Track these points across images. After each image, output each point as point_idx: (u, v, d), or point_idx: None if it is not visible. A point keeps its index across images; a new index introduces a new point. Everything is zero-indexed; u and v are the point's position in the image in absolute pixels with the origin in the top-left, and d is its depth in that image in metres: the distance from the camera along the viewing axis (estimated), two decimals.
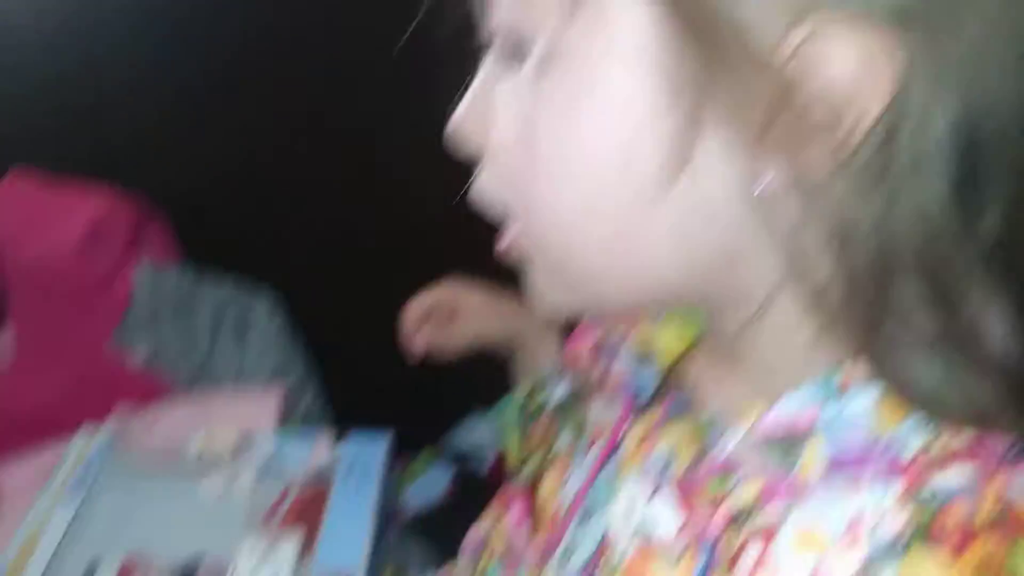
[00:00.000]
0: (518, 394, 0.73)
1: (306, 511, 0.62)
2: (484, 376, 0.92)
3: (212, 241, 0.85)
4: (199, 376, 0.82)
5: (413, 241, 0.93)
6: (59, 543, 0.60)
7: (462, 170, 0.42)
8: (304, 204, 0.91)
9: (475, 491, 0.92)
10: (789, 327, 0.36)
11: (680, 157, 0.32)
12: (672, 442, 0.41)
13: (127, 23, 0.84)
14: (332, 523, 0.61)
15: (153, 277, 0.80)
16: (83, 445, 0.67)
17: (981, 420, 0.32)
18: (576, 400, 0.60)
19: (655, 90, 0.32)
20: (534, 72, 0.35)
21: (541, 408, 0.71)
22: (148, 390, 0.77)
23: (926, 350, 0.32)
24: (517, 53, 0.35)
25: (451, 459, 0.90)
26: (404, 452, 0.89)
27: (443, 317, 0.75)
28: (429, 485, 0.86)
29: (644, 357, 0.51)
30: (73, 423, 0.69)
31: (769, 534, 0.33)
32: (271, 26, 0.85)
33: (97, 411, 0.74)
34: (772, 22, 0.29)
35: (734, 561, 0.34)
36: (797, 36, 0.29)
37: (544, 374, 0.68)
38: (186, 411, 0.73)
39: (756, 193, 0.32)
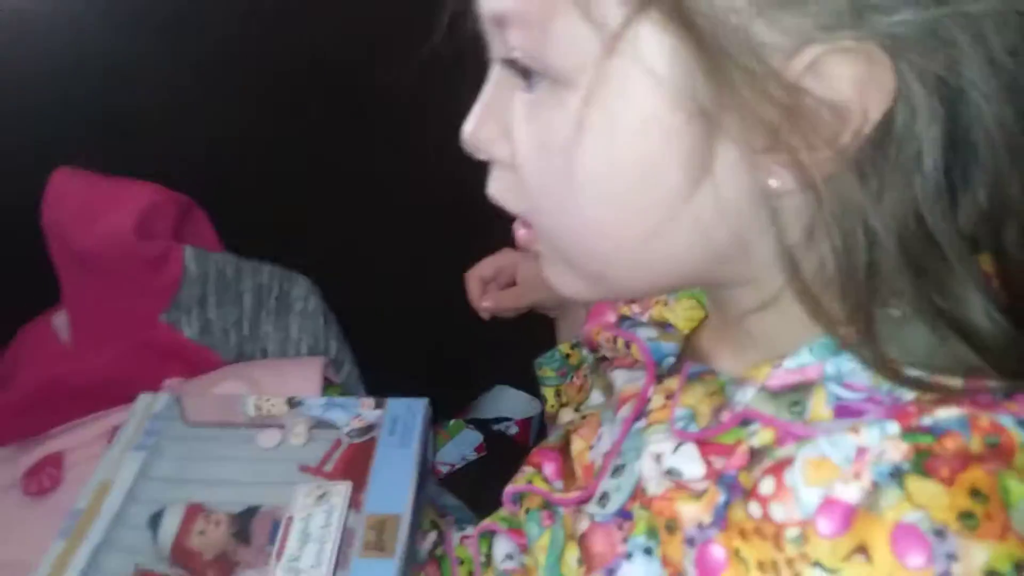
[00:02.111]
0: (561, 348, 0.79)
1: (355, 463, 0.67)
2: (506, 353, 0.97)
3: (249, 231, 0.90)
4: (244, 352, 0.87)
5: (437, 227, 0.97)
6: (127, 492, 0.65)
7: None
8: (335, 193, 0.96)
9: (504, 450, 0.98)
10: (790, 302, 0.39)
11: (699, 170, 0.36)
12: (692, 402, 0.45)
13: (153, 24, 0.89)
14: (378, 473, 0.66)
15: (199, 261, 0.85)
16: (145, 408, 0.72)
17: (970, 373, 0.35)
18: (600, 368, 0.64)
19: (675, 112, 0.35)
20: (557, 93, 0.37)
21: (581, 363, 0.76)
22: (200, 362, 0.82)
23: (914, 321, 0.36)
24: (536, 72, 0.38)
25: (478, 425, 0.95)
26: (435, 421, 0.95)
27: (504, 282, 0.80)
28: (460, 447, 0.91)
29: (663, 329, 0.55)
30: (131, 393, 0.74)
31: (783, 466, 0.37)
32: (304, 15, 0.89)
33: (153, 382, 0.80)
34: (782, 45, 0.33)
35: (752, 492, 0.38)
36: (806, 56, 0.33)
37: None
38: (237, 378, 0.78)
39: (768, 194, 0.36)
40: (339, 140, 0.96)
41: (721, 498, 0.39)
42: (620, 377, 0.54)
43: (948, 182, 0.34)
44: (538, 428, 0.97)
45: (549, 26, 0.36)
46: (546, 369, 0.80)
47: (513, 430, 0.96)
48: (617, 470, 0.48)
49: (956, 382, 0.35)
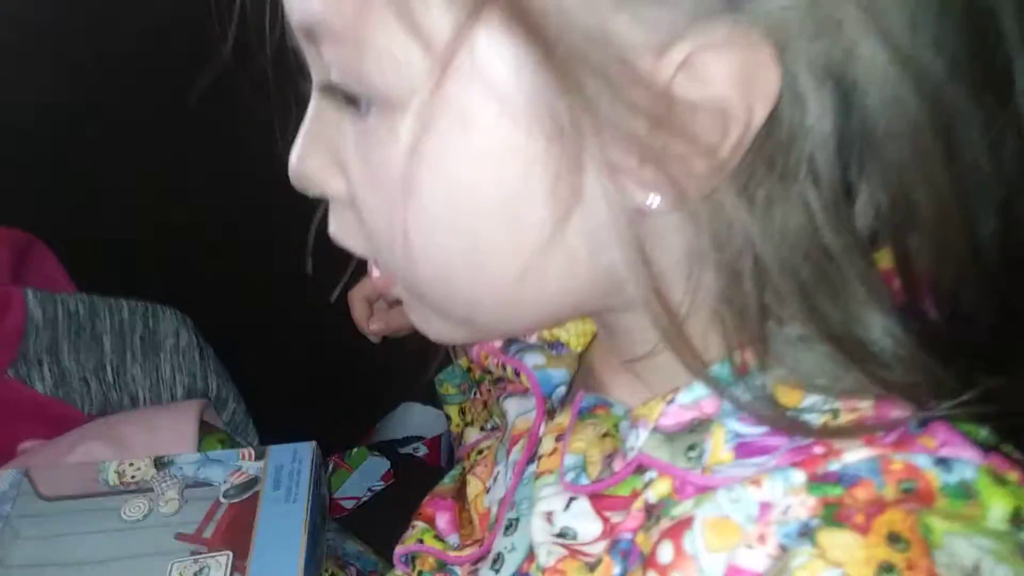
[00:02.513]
0: (463, 362, 0.73)
1: (236, 526, 0.60)
2: (408, 367, 0.91)
3: (107, 266, 0.81)
4: (110, 402, 0.78)
5: (317, 241, 0.90)
6: None
7: None
8: (199, 219, 0.88)
9: (414, 475, 0.92)
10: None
11: (568, 200, 0.31)
12: (583, 447, 0.41)
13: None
14: (263, 537, 0.59)
15: (44, 305, 0.76)
16: None
17: (879, 396, 0.32)
18: (496, 390, 0.59)
19: (532, 136, 0.30)
20: (389, 120, 0.32)
21: (484, 376, 0.71)
22: (59, 419, 0.73)
23: (809, 345, 0.32)
24: (367, 100, 0.32)
25: (385, 449, 0.89)
26: (336, 452, 0.88)
27: (393, 299, 0.74)
28: (365, 477, 0.85)
29: (553, 352, 0.50)
30: None
31: (681, 529, 0.33)
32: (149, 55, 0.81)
33: (7, 447, 0.71)
34: (647, 43, 0.28)
35: (650, 560, 0.34)
36: (676, 54, 0.28)
37: None
38: (99, 438, 0.70)
39: (646, 215, 0.31)
40: (201, 162, 0.88)
41: (616, 570, 0.36)
42: (512, 408, 0.50)
43: (844, 185, 0.30)
44: (449, 446, 0.92)
45: (367, 41, 0.30)
46: (447, 386, 0.75)
47: (422, 451, 0.90)
48: (511, 526, 0.44)
49: (865, 406, 0.32)
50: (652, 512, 0.35)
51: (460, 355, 0.77)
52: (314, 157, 0.36)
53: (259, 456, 0.65)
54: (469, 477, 0.52)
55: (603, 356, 0.48)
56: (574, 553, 0.38)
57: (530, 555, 0.41)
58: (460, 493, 0.52)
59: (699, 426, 0.35)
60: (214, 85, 0.80)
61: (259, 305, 0.89)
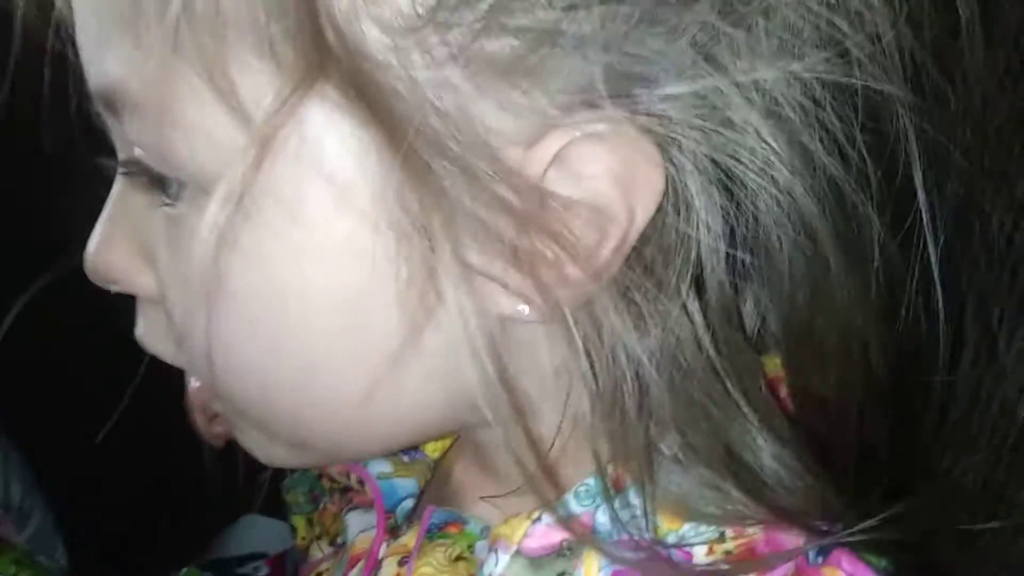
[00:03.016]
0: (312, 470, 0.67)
1: None
2: (249, 476, 0.83)
3: None
4: None
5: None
6: None
7: None
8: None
9: None
10: (547, 440, 0.31)
11: (421, 308, 0.27)
12: (430, 571, 0.36)
13: None
14: None
15: None
16: None
17: (770, 522, 0.29)
18: (342, 502, 0.53)
19: (378, 231, 0.26)
20: (200, 205, 0.27)
21: (333, 485, 0.65)
22: None
23: (692, 467, 0.29)
24: (176, 181, 0.28)
25: (220, 570, 0.79)
26: (164, 571, 0.78)
27: None
28: None
29: (402, 459, 0.45)
30: None
31: None
32: None
33: None
34: (515, 134, 0.25)
35: None
36: (547, 148, 0.25)
37: None
38: None
39: (511, 325, 0.28)
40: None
41: None
42: (355, 523, 0.45)
43: (733, 294, 0.28)
44: (294, 566, 0.83)
45: (174, 111, 0.26)
46: (295, 493, 0.67)
47: (263, 571, 0.80)
48: None
49: (754, 531, 0.29)
50: None
51: None
52: (118, 247, 0.31)
53: None
54: None
55: (463, 463, 0.43)
56: None
57: None
58: None
59: (569, 550, 0.31)
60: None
61: (81, 395, 0.79)
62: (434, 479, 0.43)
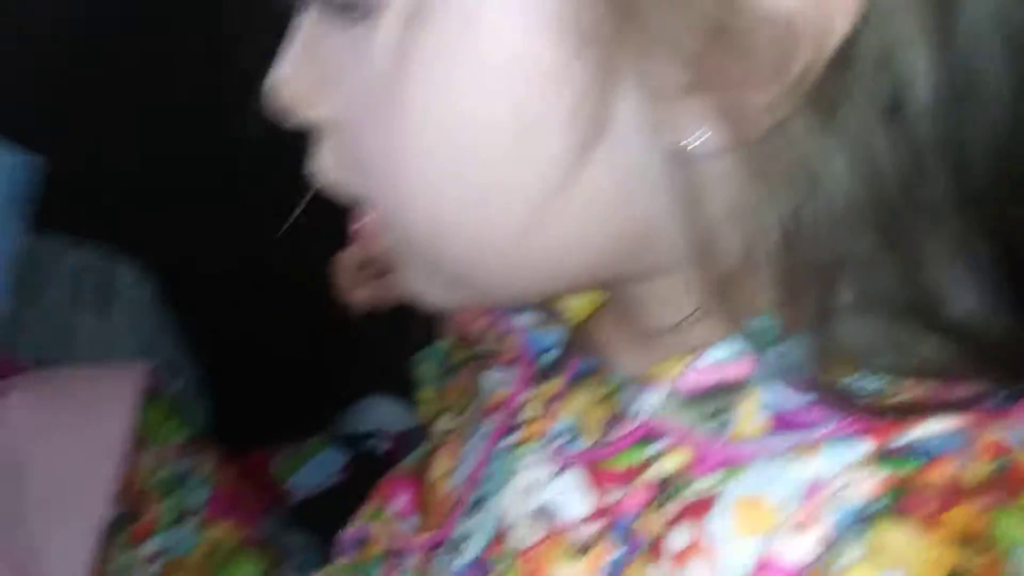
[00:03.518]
0: (444, 343, 0.68)
1: None
2: (383, 357, 0.86)
3: (65, 202, 0.75)
4: (56, 354, 0.73)
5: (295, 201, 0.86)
6: None
7: None
8: (175, 156, 0.82)
9: (371, 472, 0.86)
10: (718, 277, 0.30)
11: (592, 127, 0.26)
12: (578, 410, 0.35)
13: None
14: None
15: None
16: None
17: (946, 375, 0.27)
18: (477, 367, 0.55)
19: (554, 46, 0.25)
20: (386, 28, 0.27)
21: (466, 360, 0.66)
22: None
23: (873, 311, 0.27)
24: (354, 4, 0.28)
25: (345, 442, 0.83)
26: (295, 438, 0.83)
27: (382, 268, 0.70)
28: (318, 469, 0.80)
29: (548, 315, 0.45)
30: None
31: (702, 508, 0.27)
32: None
33: None
34: None
35: (659, 547, 0.28)
36: None
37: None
38: (30, 389, 0.64)
39: (687, 155, 0.26)
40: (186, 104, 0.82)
41: (615, 554, 0.30)
42: (490, 380, 0.45)
43: (944, 126, 0.25)
44: (417, 443, 0.87)
45: None
46: (425, 367, 0.70)
47: (384, 446, 0.84)
48: (476, 504, 0.38)
49: (932, 384, 0.27)
50: (663, 488, 0.30)
51: (443, 335, 0.72)
52: (301, 76, 0.32)
53: None
54: (434, 457, 0.47)
55: (607, 325, 0.43)
56: (557, 534, 0.32)
57: (496, 539, 0.36)
58: (423, 472, 0.47)
59: (727, 391, 0.30)
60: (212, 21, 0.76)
61: (237, 273, 0.84)
62: (578, 338, 0.44)
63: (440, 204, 0.30)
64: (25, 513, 0.56)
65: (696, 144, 0.26)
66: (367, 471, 0.85)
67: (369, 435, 0.86)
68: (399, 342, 0.74)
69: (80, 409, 0.62)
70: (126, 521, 0.59)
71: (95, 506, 0.58)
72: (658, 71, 0.25)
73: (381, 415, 0.89)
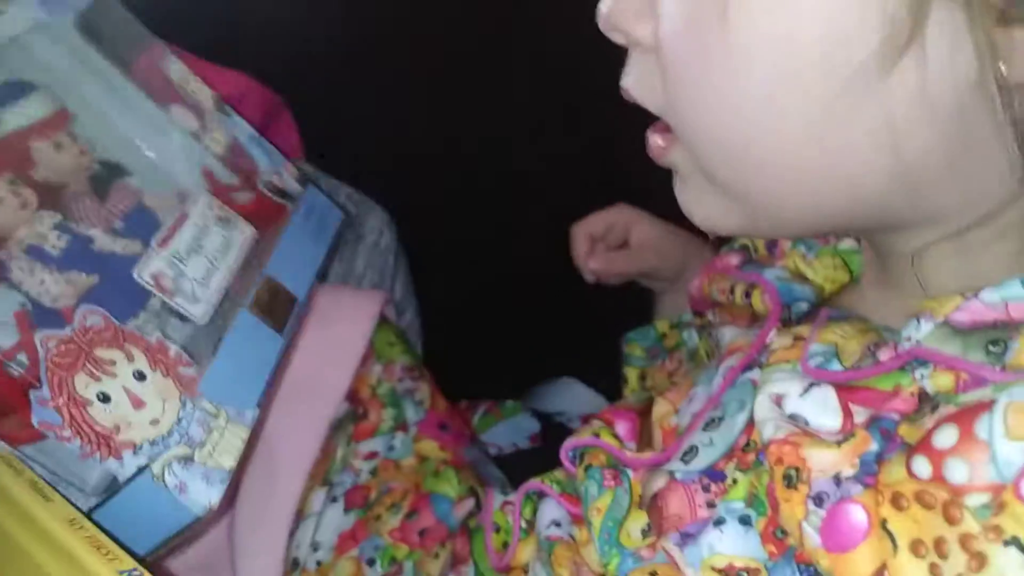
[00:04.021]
0: (659, 325, 0.70)
1: (264, 218, 0.57)
2: (579, 343, 0.88)
3: (334, 147, 0.83)
4: None
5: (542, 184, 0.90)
6: None
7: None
8: (437, 124, 0.89)
9: (561, 444, 0.88)
10: (988, 227, 0.31)
11: (902, 34, 0.27)
12: (835, 338, 0.36)
13: None
14: (286, 248, 0.57)
15: None
16: None
17: None
18: (704, 334, 0.55)
19: None
20: None
21: (678, 346, 0.67)
22: None
23: None
24: None
25: (534, 413, 0.85)
26: (491, 398, 0.86)
27: (614, 242, 0.72)
28: (513, 431, 0.82)
29: (795, 279, 0.46)
30: None
31: (974, 412, 0.27)
32: None
33: None
34: None
35: (923, 444, 0.28)
36: None
37: (689, 315, 0.64)
38: None
39: (1001, 87, 0.27)
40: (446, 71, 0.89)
41: (873, 446, 0.30)
42: (730, 334, 0.45)
43: None
44: None
45: None
46: (635, 346, 0.71)
47: (576, 424, 0.86)
48: (712, 423, 0.39)
49: None
50: (926, 402, 0.30)
51: (659, 317, 0.74)
52: (626, 1, 0.35)
53: (300, 180, 0.62)
54: (657, 399, 0.48)
55: (861, 288, 0.43)
56: (809, 434, 0.32)
57: (732, 452, 0.37)
58: (644, 411, 0.49)
59: (1005, 328, 0.29)
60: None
61: (464, 237, 0.89)
62: (828, 303, 0.44)
63: (739, 116, 0.32)
64: (270, 403, 0.62)
65: (1001, 71, 0.26)
66: (558, 442, 0.87)
67: (558, 414, 0.88)
68: (603, 327, 0.76)
69: (325, 320, 0.68)
70: (351, 420, 0.63)
71: (328, 401, 0.63)
72: (962, 5, 0.26)
73: (572, 399, 0.91)
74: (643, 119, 0.38)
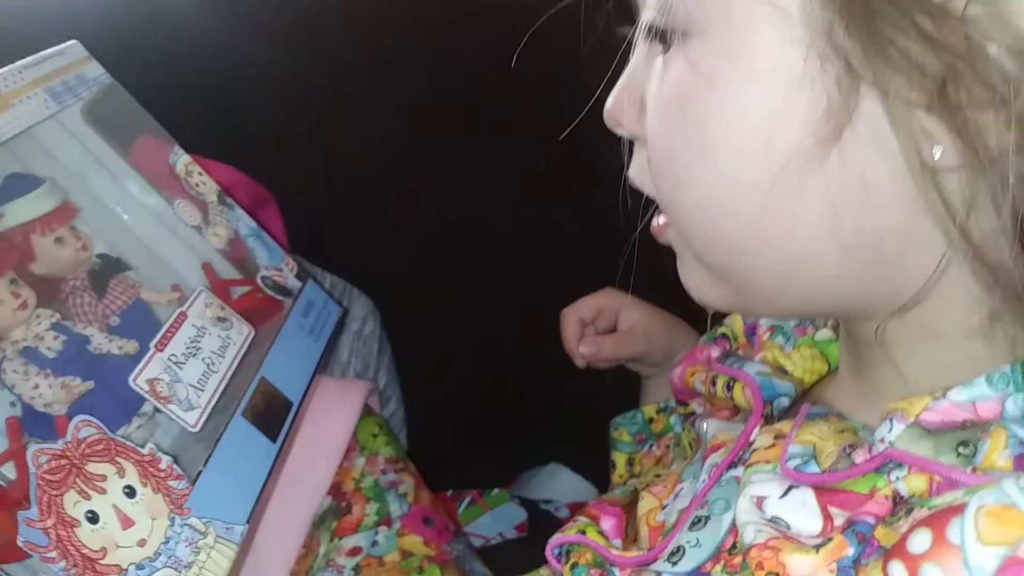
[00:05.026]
0: (646, 410, 0.69)
1: (261, 316, 0.57)
2: (566, 428, 0.88)
3: (318, 236, 0.84)
4: None
5: (517, 265, 0.90)
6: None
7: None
8: (411, 212, 0.90)
9: (548, 533, 0.86)
10: (952, 319, 0.32)
11: (834, 125, 0.29)
12: (812, 440, 0.36)
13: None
14: (283, 345, 0.56)
15: None
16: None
17: None
18: (687, 424, 0.55)
19: (805, 57, 0.29)
20: (686, 47, 0.32)
21: (665, 431, 0.67)
22: None
23: None
24: (671, 32, 0.33)
25: (521, 502, 0.84)
26: (476, 487, 0.85)
27: (604, 326, 0.72)
28: (499, 521, 0.81)
29: (775, 373, 0.47)
30: None
31: (946, 516, 0.27)
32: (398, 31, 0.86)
33: None
34: None
35: (897, 548, 0.28)
36: None
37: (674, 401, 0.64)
38: None
39: (925, 167, 0.28)
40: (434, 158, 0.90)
41: (849, 551, 0.30)
42: (713, 427, 0.46)
43: None
44: None
45: None
46: (623, 431, 0.71)
47: (563, 513, 0.85)
48: (698, 522, 0.39)
49: None
50: (900, 504, 0.30)
51: (646, 403, 0.73)
52: (625, 97, 0.38)
53: (300, 275, 0.63)
54: (643, 493, 0.48)
55: (838, 383, 0.43)
56: (789, 538, 0.32)
57: (718, 554, 0.37)
58: (629, 506, 0.48)
59: (972, 428, 0.30)
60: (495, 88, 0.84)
61: (453, 321, 0.89)
62: (807, 395, 0.44)
63: (703, 189, 0.33)
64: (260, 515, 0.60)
65: (931, 155, 0.28)
66: (544, 532, 0.85)
67: (546, 501, 0.87)
68: (590, 413, 0.76)
69: (311, 414, 0.67)
70: (334, 515, 0.62)
71: (312, 497, 0.62)
72: (899, 88, 0.27)
73: (559, 485, 0.90)
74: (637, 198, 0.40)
